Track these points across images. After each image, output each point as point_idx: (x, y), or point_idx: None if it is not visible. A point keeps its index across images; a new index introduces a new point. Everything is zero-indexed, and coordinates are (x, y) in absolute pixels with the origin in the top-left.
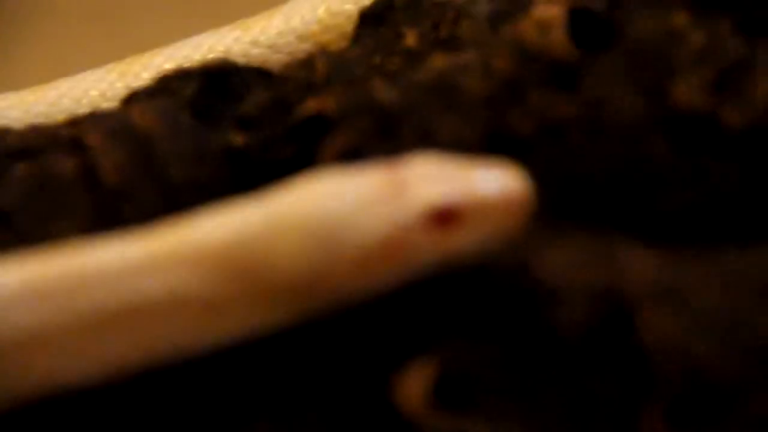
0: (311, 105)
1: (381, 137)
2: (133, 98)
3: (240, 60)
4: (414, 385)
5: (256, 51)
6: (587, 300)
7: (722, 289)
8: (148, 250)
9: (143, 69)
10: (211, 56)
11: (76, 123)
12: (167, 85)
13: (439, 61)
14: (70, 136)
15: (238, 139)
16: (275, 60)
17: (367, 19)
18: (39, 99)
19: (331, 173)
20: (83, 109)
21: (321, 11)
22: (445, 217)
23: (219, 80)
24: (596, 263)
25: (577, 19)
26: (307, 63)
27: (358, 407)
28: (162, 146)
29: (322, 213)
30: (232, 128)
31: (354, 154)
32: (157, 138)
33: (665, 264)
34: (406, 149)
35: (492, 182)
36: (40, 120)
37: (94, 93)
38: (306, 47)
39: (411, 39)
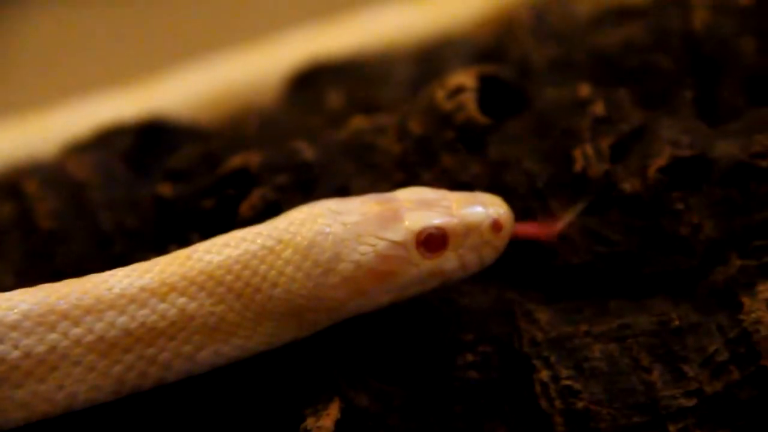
0: (236, 160)
1: (299, 192)
2: (71, 149)
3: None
4: (319, 423)
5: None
6: (487, 347)
7: (609, 341)
8: (159, 275)
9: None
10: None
11: (14, 170)
12: (103, 137)
13: (358, 122)
14: (8, 182)
15: (166, 190)
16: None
17: (296, 81)
18: None
19: (327, 200)
20: None
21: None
22: (433, 240)
23: (152, 135)
24: (497, 314)
25: (489, 87)
26: (237, 121)
27: None
28: (95, 195)
29: (319, 235)
30: (161, 180)
31: (272, 207)
32: (90, 187)
33: (558, 317)
34: None
35: (476, 209)
36: None
37: None
38: (230, 106)
39: (335, 100)
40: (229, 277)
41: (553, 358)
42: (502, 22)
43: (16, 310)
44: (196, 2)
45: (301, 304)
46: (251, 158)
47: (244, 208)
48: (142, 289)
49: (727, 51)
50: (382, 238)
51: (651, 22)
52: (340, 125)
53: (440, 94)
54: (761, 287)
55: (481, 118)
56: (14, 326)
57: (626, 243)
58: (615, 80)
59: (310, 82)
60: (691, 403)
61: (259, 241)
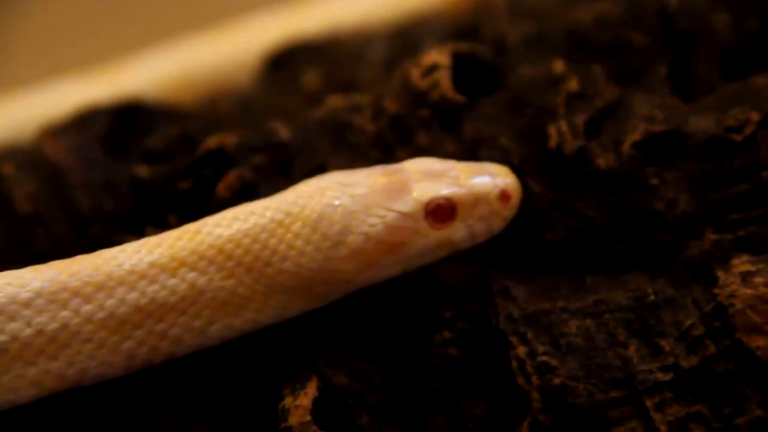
0: (213, 141)
1: (275, 172)
2: (48, 132)
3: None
4: (296, 402)
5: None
6: (464, 325)
7: (585, 316)
8: (169, 250)
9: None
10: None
11: None
12: (80, 120)
13: (334, 101)
14: None
15: (143, 171)
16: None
17: (273, 61)
18: None
19: (336, 173)
20: None
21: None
22: (442, 210)
23: (129, 116)
24: (475, 291)
25: (464, 65)
26: (213, 101)
27: (247, 418)
28: (72, 177)
29: (328, 207)
30: (138, 161)
31: (249, 188)
32: (68, 170)
33: (534, 293)
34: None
35: (484, 179)
36: None
37: None
38: (207, 87)
39: (311, 80)
40: (238, 251)
41: (529, 335)
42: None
43: (28, 288)
44: None
45: (311, 277)
46: (227, 139)
47: (221, 188)
48: (152, 264)
49: (701, 26)
50: (390, 210)
51: None
52: (316, 105)
53: (415, 73)
54: (736, 261)
55: (455, 96)
56: (27, 304)
57: (602, 219)
58: (589, 56)
59: (286, 62)
60: (667, 377)
61: (268, 214)
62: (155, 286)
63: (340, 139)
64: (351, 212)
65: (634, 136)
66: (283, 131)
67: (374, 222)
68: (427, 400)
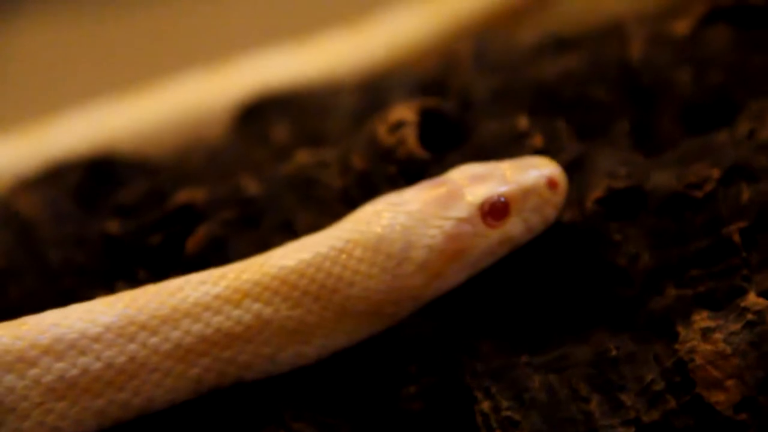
0: (182, 196)
1: (244, 227)
2: (20, 185)
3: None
4: None
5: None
6: (430, 379)
7: (548, 371)
8: (233, 283)
9: None
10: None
11: None
12: (52, 173)
13: (302, 157)
14: None
15: (113, 226)
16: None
17: (243, 114)
18: None
19: (386, 196)
20: None
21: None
22: (496, 209)
23: (101, 170)
24: (440, 345)
25: (430, 119)
26: (182, 154)
27: None
28: (44, 232)
29: (387, 228)
30: (109, 216)
31: (218, 243)
32: (40, 224)
33: (499, 347)
34: (266, 238)
35: (530, 172)
36: None
37: None
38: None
39: (281, 133)
40: (303, 281)
41: (494, 389)
42: (445, 52)
43: (98, 323)
44: (137, 34)
45: (380, 299)
46: (197, 194)
47: (191, 244)
48: (216, 297)
49: (664, 81)
50: (448, 218)
51: (589, 53)
52: (285, 158)
53: (382, 129)
54: (696, 317)
55: (421, 153)
56: (97, 338)
57: (566, 274)
58: (554, 111)
59: (256, 114)
60: (629, 431)
61: (328, 243)
62: (220, 317)
63: (308, 194)
64: (409, 228)
65: (597, 193)
66: (252, 186)
67: (434, 233)
68: None
